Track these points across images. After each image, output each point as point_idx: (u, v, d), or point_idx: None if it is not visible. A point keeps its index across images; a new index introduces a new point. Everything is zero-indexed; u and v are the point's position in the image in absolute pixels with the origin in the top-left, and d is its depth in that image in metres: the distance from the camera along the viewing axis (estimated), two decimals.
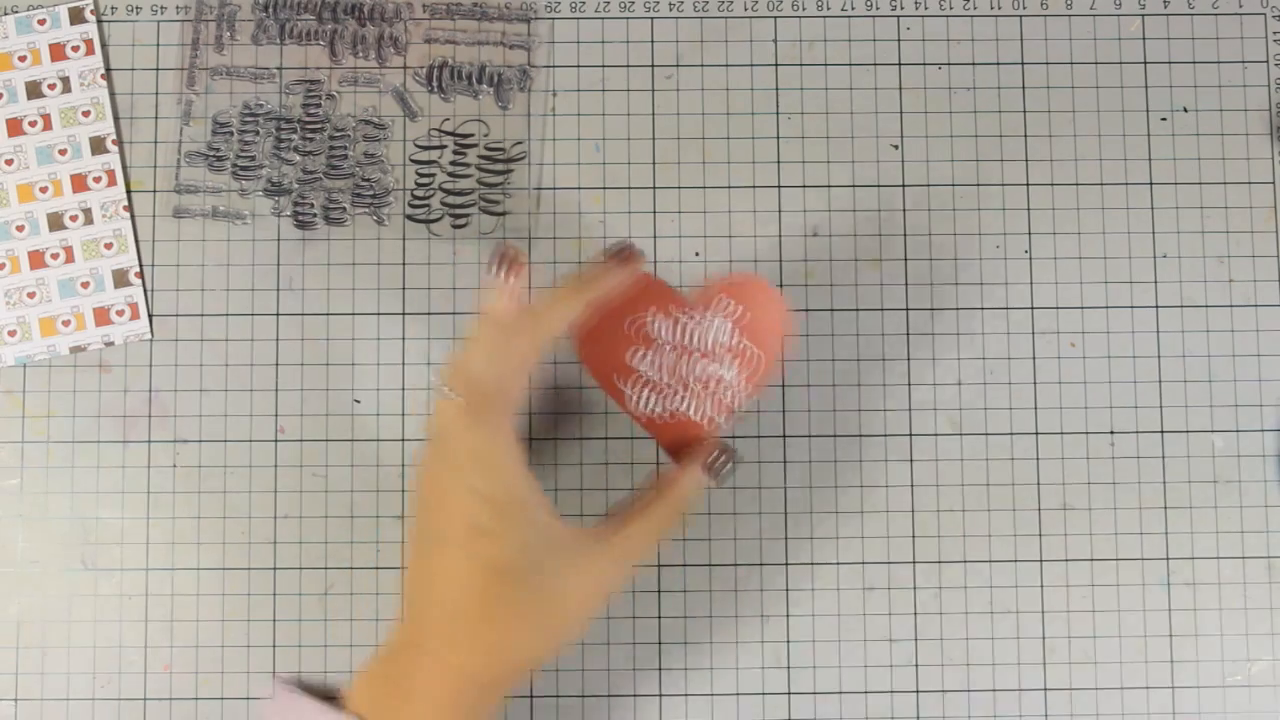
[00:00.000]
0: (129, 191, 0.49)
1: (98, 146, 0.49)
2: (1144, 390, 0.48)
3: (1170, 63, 0.50)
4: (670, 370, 0.38)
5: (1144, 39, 0.50)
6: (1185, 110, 0.49)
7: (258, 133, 0.49)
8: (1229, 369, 0.48)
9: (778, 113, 0.49)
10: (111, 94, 0.49)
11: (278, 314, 0.48)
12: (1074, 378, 0.48)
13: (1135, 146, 0.49)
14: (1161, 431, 0.48)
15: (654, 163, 0.49)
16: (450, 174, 0.49)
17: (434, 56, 0.49)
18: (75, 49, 0.49)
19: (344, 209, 0.49)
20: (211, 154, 0.49)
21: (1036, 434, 0.48)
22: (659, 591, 0.47)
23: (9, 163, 0.49)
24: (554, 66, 0.49)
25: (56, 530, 0.47)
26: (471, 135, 0.49)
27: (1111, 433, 0.48)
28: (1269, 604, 0.47)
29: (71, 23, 0.49)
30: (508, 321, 0.38)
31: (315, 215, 0.49)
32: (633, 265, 0.39)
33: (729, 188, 0.49)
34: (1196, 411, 0.48)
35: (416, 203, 0.49)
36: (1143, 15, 0.50)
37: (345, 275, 0.49)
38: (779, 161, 0.49)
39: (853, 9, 0.50)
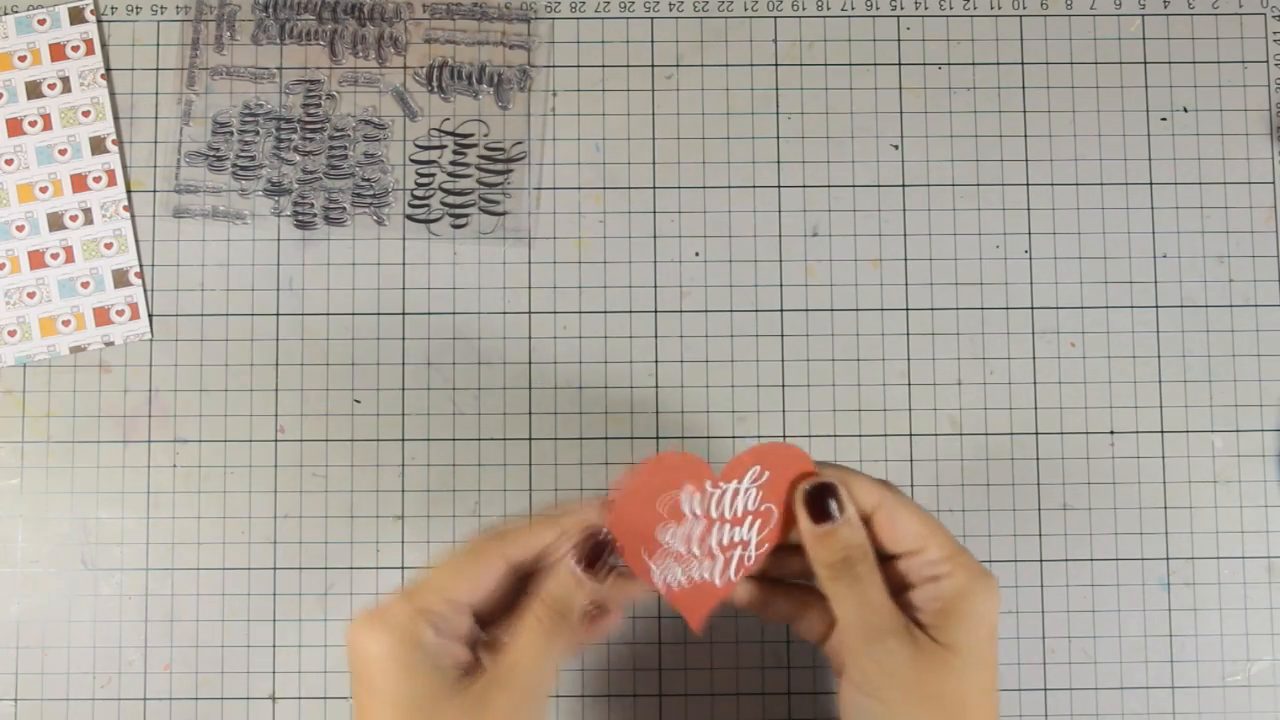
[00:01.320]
0: (129, 191, 0.49)
1: (98, 146, 0.49)
2: (1144, 390, 0.48)
3: (1170, 63, 0.50)
4: (698, 541, 0.40)
5: (1144, 39, 0.50)
6: (1185, 110, 0.49)
7: (258, 133, 0.49)
8: (1229, 369, 0.48)
9: (778, 113, 0.49)
10: (111, 94, 0.49)
11: (278, 314, 0.48)
12: (1074, 378, 0.48)
13: (1135, 146, 0.49)
14: (1161, 431, 0.48)
15: (654, 163, 0.49)
16: (450, 174, 0.49)
17: (434, 56, 0.49)
18: (75, 49, 0.49)
19: (344, 209, 0.49)
20: (211, 154, 0.49)
21: (1036, 434, 0.48)
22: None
23: (9, 163, 0.49)
24: (554, 66, 0.49)
25: (56, 530, 0.47)
26: (471, 135, 0.49)
27: (1111, 433, 0.48)
28: (1269, 604, 0.47)
29: (71, 23, 0.49)
30: (476, 542, 0.37)
31: (315, 215, 0.49)
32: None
33: (729, 188, 0.49)
34: (1196, 411, 0.48)
35: (416, 203, 0.49)
36: (1143, 15, 0.50)
37: (345, 275, 0.49)
38: (779, 161, 0.49)
39: (853, 9, 0.50)
